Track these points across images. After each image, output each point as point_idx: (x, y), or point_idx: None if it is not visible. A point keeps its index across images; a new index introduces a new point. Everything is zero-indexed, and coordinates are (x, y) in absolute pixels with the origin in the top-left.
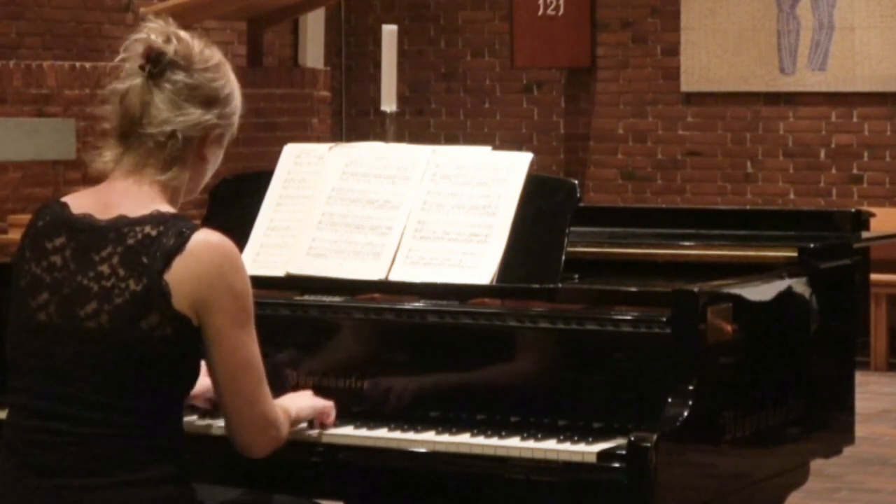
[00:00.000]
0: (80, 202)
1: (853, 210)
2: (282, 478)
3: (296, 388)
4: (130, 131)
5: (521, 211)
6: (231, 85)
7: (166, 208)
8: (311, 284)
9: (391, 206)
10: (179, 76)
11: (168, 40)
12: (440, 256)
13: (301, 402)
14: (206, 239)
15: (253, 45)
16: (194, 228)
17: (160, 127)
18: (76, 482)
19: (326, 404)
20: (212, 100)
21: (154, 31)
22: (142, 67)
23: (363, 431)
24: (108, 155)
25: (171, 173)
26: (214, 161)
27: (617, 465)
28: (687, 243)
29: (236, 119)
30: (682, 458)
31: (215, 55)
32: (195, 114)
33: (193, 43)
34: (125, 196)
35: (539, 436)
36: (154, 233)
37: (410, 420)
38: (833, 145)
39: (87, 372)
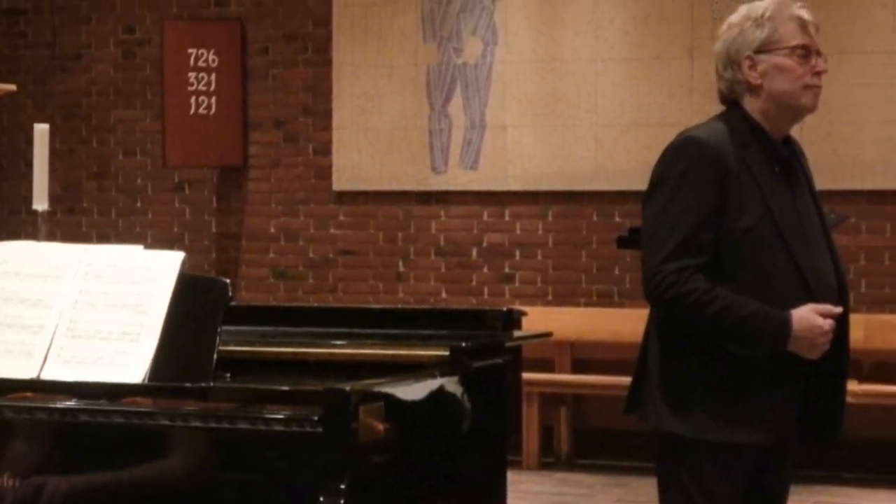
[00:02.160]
0: None
1: (505, 309)
2: None
3: None
4: None
5: (173, 310)
6: None
7: None
8: None
9: (43, 304)
10: None
11: None
12: (92, 355)
13: None
14: None
15: None
16: None
17: None
18: None
19: None
20: None
21: None
22: None
23: None
24: None
25: None
26: None
27: None
28: (339, 342)
29: None
30: None
31: None
32: None
33: None
34: None
35: None
36: None
37: None
38: (485, 244)
39: None
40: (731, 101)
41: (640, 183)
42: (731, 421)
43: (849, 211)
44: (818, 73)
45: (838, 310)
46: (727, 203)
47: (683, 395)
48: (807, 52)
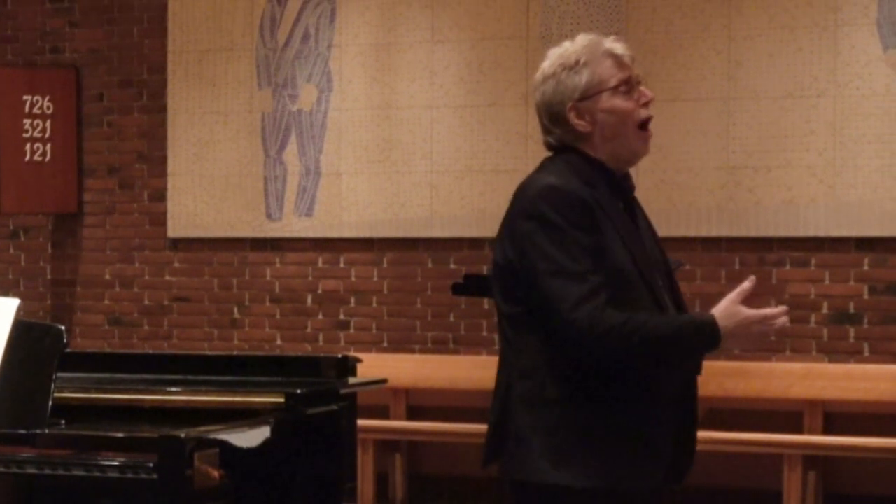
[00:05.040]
0: None
1: (340, 356)
2: None
3: None
4: None
5: (7, 356)
6: None
7: None
8: None
9: None
10: None
11: None
12: None
13: None
14: None
15: None
16: None
17: None
18: None
19: None
20: None
21: None
22: None
23: None
24: None
25: None
26: None
27: None
28: (174, 389)
29: None
30: None
31: None
32: None
33: None
34: None
35: None
36: None
37: None
38: (320, 291)
39: None
40: (564, 148)
41: (476, 229)
42: (617, 467)
43: (684, 258)
44: (646, 104)
45: (750, 284)
46: (598, 242)
47: (565, 444)
48: (629, 87)
